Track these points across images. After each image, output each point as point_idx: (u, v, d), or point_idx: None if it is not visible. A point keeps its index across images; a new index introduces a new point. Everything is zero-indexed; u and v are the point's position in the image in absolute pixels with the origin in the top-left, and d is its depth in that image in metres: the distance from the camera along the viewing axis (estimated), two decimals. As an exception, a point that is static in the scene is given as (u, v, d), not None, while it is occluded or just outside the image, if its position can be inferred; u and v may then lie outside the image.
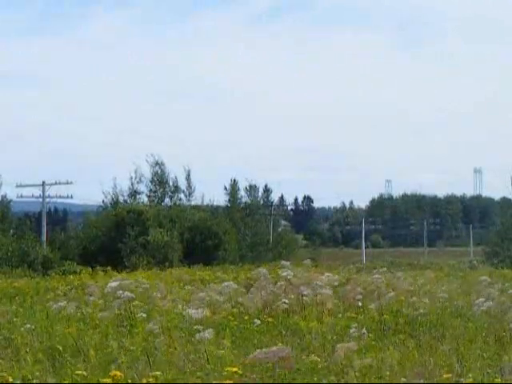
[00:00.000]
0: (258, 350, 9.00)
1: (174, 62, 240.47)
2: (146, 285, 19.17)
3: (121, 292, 14.94)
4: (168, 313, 15.05)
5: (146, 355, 10.35)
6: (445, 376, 9.37)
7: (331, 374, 9.41)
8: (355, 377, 9.34)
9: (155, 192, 66.22)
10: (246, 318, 14.46)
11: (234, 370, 8.89)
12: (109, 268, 36.23)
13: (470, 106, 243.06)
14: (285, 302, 15.66)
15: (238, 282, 22.45)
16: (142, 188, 66.37)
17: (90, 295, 18.64)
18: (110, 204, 64.23)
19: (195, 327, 12.77)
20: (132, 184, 65.72)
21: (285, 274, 17.54)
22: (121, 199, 64.91)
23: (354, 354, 10.26)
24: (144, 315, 14.36)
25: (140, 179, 65.89)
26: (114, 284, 16.34)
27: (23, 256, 49.19)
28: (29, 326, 13.22)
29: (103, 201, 64.92)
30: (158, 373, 9.04)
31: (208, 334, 11.89)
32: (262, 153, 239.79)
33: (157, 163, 66.18)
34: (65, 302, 16.96)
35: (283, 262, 19.78)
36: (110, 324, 13.71)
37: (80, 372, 9.40)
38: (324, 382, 9.08)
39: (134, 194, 65.88)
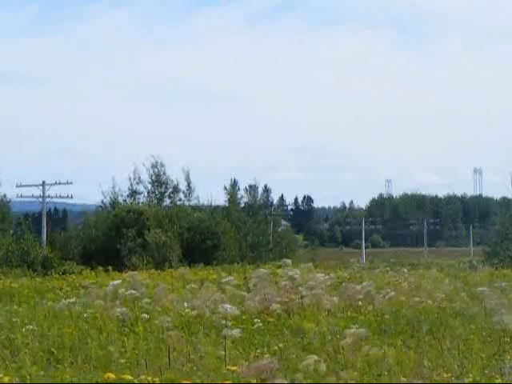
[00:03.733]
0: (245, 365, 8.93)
1: (173, 62, 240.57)
2: (147, 285, 19.17)
3: (122, 292, 14.94)
4: (169, 313, 15.03)
5: (148, 355, 10.35)
6: (445, 376, 9.38)
7: (331, 373, 9.41)
8: (355, 376, 9.34)
9: (154, 192, 66.21)
10: (246, 318, 14.45)
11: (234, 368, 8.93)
12: (110, 268, 36.16)
13: (470, 106, 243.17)
14: (285, 302, 15.64)
15: (238, 282, 22.44)
16: (142, 188, 66.39)
17: (91, 295, 18.61)
18: (109, 204, 64.22)
19: (223, 322, 12.76)
20: (131, 184, 65.75)
21: (288, 272, 17.51)
22: (120, 199, 64.92)
23: (354, 353, 10.27)
24: (145, 315, 14.36)
25: (139, 179, 65.93)
26: (116, 284, 16.33)
27: (23, 256, 49.13)
28: (29, 326, 13.20)
29: (102, 201, 64.95)
30: (158, 373, 9.04)
31: (236, 332, 11.73)
32: (262, 153, 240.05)
33: (156, 164, 66.24)
34: (66, 302, 16.94)
35: (285, 260, 19.79)
36: (111, 324, 13.71)
37: (80, 372, 9.41)
38: (324, 381, 9.08)
39: (133, 194, 65.87)
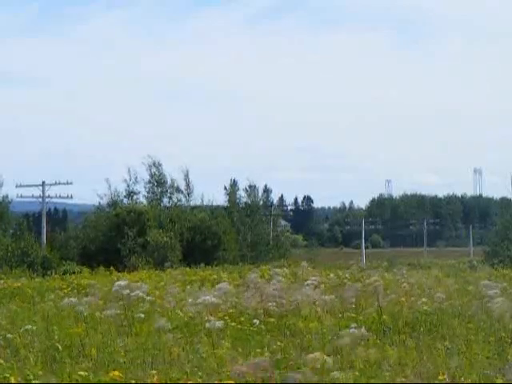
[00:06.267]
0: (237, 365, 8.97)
1: (173, 62, 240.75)
2: (147, 285, 19.14)
3: (122, 292, 14.93)
4: (168, 313, 15.03)
5: (147, 355, 10.35)
6: (444, 376, 9.37)
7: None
8: (355, 377, 9.34)
9: (153, 193, 66.23)
10: (245, 318, 14.43)
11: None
12: (110, 268, 36.19)
13: (470, 106, 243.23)
14: (284, 303, 15.63)
15: (237, 282, 22.45)
16: (139, 188, 66.42)
17: (91, 295, 18.60)
18: (108, 205, 64.20)
19: (206, 318, 12.75)
20: (128, 185, 65.78)
21: (287, 273, 17.54)
22: (118, 200, 64.89)
23: (354, 353, 10.26)
24: (144, 316, 14.35)
25: (136, 179, 65.96)
26: (115, 284, 16.31)
27: (22, 256, 49.14)
28: (29, 326, 13.19)
29: (99, 202, 64.91)
30: (158, 372, 9.03)
31: (219, 324, 11.79)
32: (262, 153, 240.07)
33: (154, 164, 66.30)
34: (65, 303, 16.93)
35: (273, 267, 19.88)
36: (111, 324, 13.70)
37: (81, 372, 9.39)
38: (324, 381, 9.07)
39: (130, 194, 65.89)
